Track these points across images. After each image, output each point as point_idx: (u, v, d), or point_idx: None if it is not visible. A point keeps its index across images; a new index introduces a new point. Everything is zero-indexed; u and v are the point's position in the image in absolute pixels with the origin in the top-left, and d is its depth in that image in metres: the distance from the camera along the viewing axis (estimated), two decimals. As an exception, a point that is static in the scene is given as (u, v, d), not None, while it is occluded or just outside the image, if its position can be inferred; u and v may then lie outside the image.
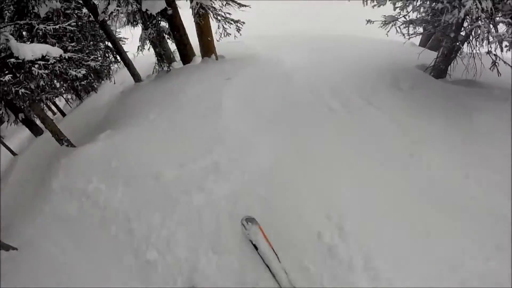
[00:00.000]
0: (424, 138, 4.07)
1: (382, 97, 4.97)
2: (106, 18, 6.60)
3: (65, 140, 5.78)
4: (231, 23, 7.25)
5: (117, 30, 9.34)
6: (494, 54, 4.81)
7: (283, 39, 9.14)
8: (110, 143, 5.01)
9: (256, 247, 3.00)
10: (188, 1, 7.05)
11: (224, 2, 7.59)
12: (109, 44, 7.82)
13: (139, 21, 6.91)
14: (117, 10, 6.34)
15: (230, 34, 7.07)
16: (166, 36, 7.43)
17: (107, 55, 7.96)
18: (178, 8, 7.14)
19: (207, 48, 7.62)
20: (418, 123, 4.29)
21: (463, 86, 5.25)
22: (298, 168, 3.83)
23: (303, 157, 3.95)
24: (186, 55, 7.75)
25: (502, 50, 4.69)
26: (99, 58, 7.65)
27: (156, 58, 7.39)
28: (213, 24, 7.38)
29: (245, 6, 7.69)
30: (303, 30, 9.90)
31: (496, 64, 4.88)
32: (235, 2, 7.61)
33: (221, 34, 7.16)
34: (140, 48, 7.00)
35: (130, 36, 8.58)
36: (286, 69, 6.45)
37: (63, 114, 11.07)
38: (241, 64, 6.90)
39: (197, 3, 6.80)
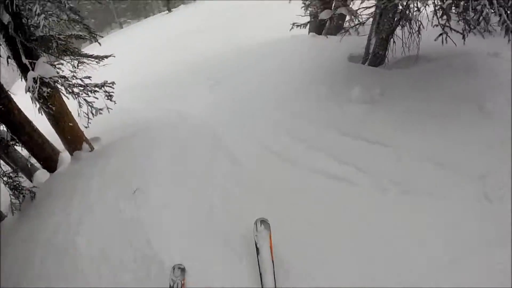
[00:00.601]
0: (486, 165, 2.85)
1: (367, 123, 3.70)
2: None
3: None
4: (97, 91, 4.86)
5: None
6: (442, 25, 4.14)
7: (168, 81, 6.95)
8: None
9: (258, 252, 2.78)
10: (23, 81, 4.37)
11: (76, 62, 5.10)
12: None
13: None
14: None
15: (101, 109, 4.68)
16: (11, 142, 4.60)
17: None
18: (13, 96, 4.38)
19: (73, 138, 4.97)
20: (451, 147, 3.12)
21: (419, 67, 4.54)
22: None
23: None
24: (48, 158, 4.97)
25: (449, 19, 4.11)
26: None
27: (7, 187, 4.43)
28: (70, 102, 4.83)
29: (106, 57, 5.38)
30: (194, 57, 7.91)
31: (445, 34, 4.22)
32: (91, 57, 5.22)
33: (87, 114, 4.68)
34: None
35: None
36: (210, 135, 4.54)
37: None
38: (136, 149, 4.51)
39: (34, 80, 4.21)
